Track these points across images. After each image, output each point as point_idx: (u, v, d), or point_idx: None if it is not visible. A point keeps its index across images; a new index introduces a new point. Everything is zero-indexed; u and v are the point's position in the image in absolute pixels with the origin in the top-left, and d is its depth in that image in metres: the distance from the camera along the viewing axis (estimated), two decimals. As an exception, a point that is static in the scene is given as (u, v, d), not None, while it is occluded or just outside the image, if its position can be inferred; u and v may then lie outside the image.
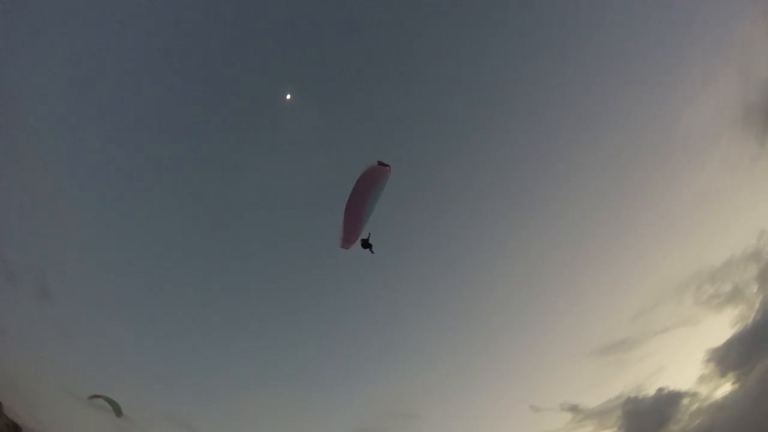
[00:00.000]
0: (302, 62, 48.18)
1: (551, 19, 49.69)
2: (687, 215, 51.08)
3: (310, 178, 53.60)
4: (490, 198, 56.89)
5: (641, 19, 47.95)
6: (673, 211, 51.90)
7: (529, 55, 51.65)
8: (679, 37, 47.97)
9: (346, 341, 56.71)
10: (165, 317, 51.17)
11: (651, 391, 49.83)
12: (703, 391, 49.03)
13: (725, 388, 48.62)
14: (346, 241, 16.80)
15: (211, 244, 54.16)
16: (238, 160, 51.68)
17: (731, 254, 48.29)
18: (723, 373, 48.99)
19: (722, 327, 48.86)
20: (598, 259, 55.81)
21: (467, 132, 54.39)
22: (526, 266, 57.62)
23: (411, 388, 54.31)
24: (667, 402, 49.31)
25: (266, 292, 56.22)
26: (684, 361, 50.38)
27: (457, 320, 57.67)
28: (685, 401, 49.21)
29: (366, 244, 17.26)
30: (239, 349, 53.84)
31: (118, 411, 35.11)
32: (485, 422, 52.83)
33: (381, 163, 14.85)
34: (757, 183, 46.54)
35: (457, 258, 57.76)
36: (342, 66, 50.53)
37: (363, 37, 49.76)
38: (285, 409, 52.24)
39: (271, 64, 47.75)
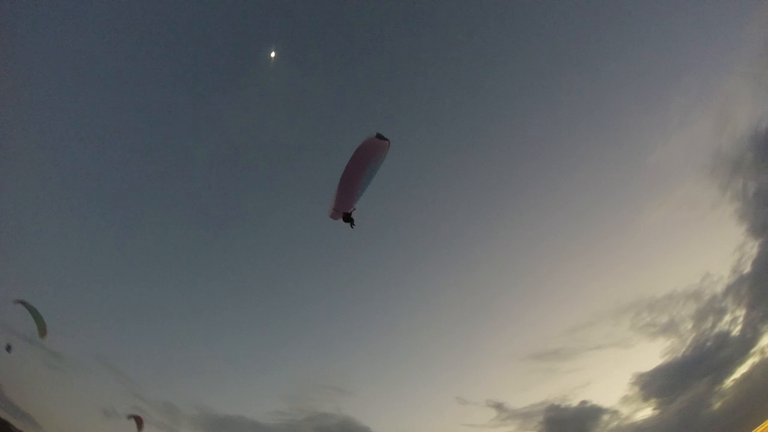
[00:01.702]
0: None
1: (545, 50, 51.74)
2: (641, 245, 53.45)
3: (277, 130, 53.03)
4: (455, 196, 57.81)
5: (633, 57, 50.46)
6: (629, 238, 54.13)
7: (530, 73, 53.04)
8: (666, 78, 50.60)
9: (287, 311, 56.99)
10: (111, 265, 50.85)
11: (575, 402, 51.04)
12: (625, 411, 50.50)
13: (646, 412, 50.30)
14: (336, 212, 16.40)
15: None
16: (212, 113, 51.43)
17: (674, 289, 50.95)
18: (646, 398, 50.67)
19: (653, 355, 50.96)
20: (549, 269, 57.47)
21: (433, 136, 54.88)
22: (475, 264, 58.29)
23: (345, 366, 54.86)
24: (589, 415, 50.66)
25: (215, 254, 56.10)
26: (611, 379, 52.08)
27: (398, 306, 58.19)
28: (606, 417, 50.47)
29: (347, 218, 16.99)
30: (183, 306, 53.52)
31: (42, 330, 33.91)
32: (411, 405, 53.68)
33: (380, 137, 14.20)
34: (712, 229, 49.59)
35: (408, 248, 58.24)
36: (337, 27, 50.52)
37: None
38: (216, 368, 52.46)
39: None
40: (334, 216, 16.49)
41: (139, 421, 37.05)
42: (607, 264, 54.76)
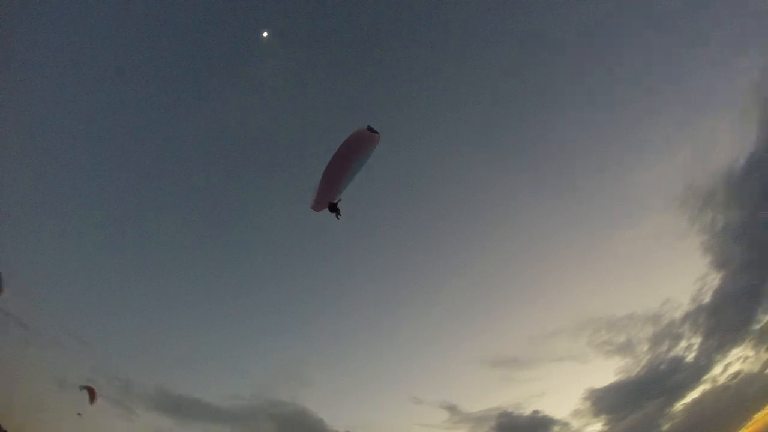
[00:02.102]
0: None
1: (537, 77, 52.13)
2: (607, 265, 55.17)
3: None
4: (428, 196, 58.14)
5: (621, 91, 51.56)
6: (597, 258, 55.81)
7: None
8: (650, 112, 51.79)
9: (251, 297, 56.76)
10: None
11: (528, 410, 52.18)
12: (575, 424, 52.00)
13: (595, 427, 51.89)
14: (318, 204, 15.87)
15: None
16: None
17: (634, 311, 52.45)
18: (596, 414, 52.13)
19: (607, 372, 52.43)
20: (515, 279, 58.33)
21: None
22: (440, 268, 58.96)
23: (305, 356, 54.97)
24: (540, 424, 51.78)
25: (184, 234, 54.81)
26: (565, 392, 54.09)
27: (362, 303, 58.70)
28: (556, 429, 51.93)
29: (333, 208, 16.60)
30: (149, 282, 52.82)
31: None
32: (367, 401, 54.44)
33: (371, 129, 13.97)
34: (677, 257, 51.17)
35: (375, 249, 58.22)
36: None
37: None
38: (177, 348, 51.93)
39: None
40: (315, 207, 16.08)
41: (91, 393, 36.65)
42: (572, 280, 56.24)
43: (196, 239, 54.37)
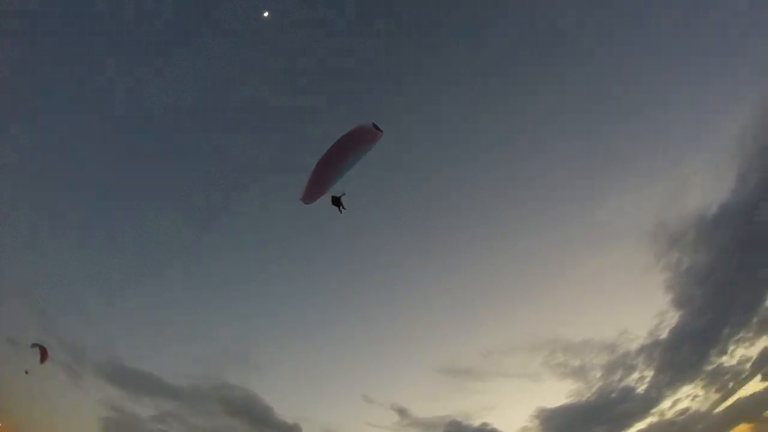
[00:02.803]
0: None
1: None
2: (571, 290, 55.45)
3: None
4: (397, 195, 57.25)
5: (602, 128, 52.60)
6: (561, 281, 56.07)
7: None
8: (629, 149, 52.41)
9: (212, 274, 55.96)
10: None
11: (477, 422, 52.88)
12: (522, 441, 52.74)
13: (541, 446, 52.54)
14: (308, 198, 15.29)
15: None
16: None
17: (591, 337, 53.39)
18: (543, 433, 53.15)
19: (559, 393, 53.38)
20: (477, 291, 58.29)
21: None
22: (400, 269, 58.49)
23: (259, 340, 55.03)
24: (487, 437, 53.04)
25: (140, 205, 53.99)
26: (515, 408, 54.30)
27: (321, 293, 58.12)
28: (503, 443, 52.86)
29: (337, 201, 16.50)
30: (107, 246, 51.92)
31: None
32: (317, 393, 54.29)
33: (376, 127, 13.62)
34: (640, 291, 51.91)
35: (342, 241, 57.10)
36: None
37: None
38: (132, 317, 51.36)
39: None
40: (305, 200, 15.47)
41: (43, 352, 36.06)
42: (534, 300, 56.56)
43: (156, 207, 53.50)
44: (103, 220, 51.54)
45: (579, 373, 53.39)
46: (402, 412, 52.79)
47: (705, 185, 46.95)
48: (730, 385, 47.90)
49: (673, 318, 49.58)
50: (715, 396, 48.63)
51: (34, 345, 36.31)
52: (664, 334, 49.94)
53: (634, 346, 51.18)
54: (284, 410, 50.43)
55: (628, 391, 51.50)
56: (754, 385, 46.74)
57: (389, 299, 57.52)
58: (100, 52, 44.48)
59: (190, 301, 54.50)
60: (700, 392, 49.05)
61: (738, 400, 47.58)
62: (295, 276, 56.91)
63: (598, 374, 52.74)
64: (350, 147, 13.78)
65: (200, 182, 54.24)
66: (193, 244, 54.85)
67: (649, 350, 50.79)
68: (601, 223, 52.55)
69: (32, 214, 47.75)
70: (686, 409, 49.22)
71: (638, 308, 51.40)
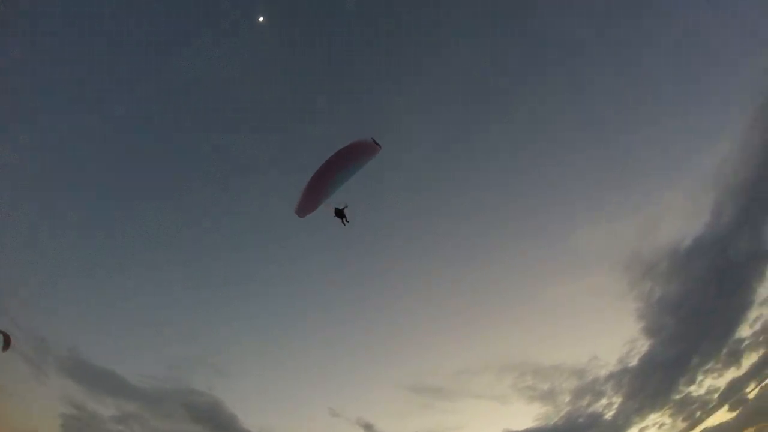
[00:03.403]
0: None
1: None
2: (542, 314, 55.49)
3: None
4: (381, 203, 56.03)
5: (581, 150, 52.88)
6: (533, 305, 55.97)
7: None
8: (604, 177, 53.42)
9: (182, 274, 54.89)
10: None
11: (443, 441, 52.75)
12: (487, 462, 52.67)
13: (506, 468, 52.14)
14: (302, 210, 15.31)
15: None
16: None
17: (562, 362, 53.63)
18: (508, 455, 52.88)
19: (526, 416, 53.22)
20: (447, 310, 57.93)
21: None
22: (372, 283, 57.78)
23: (225, 345, 54.22)
24: (451, 457, 52.60)
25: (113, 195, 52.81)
26: (482, 429, 55.18)
27: (292, 302, 57.41)
28: (467, 464, 52.86)
29: (340, 214, 16.81)
30: (74, 234, 50.43)
31: None
32: (282, 404, 53.74)
33: (375, 142, 13.76)
34: (611, 318, 52.44)
35: (313, 251, 56.29)
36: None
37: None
38: (97, 311, 50.68)
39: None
40: (299, 213, 15.53)
41: (6, 339, 35.21)
42: (506, 321, 56.34)
43: (127, 206, 52.60)
44: (87, 217, 50.77)
45: (547, 396, 53.61)
46: (368, 427, 52.26)
47: (680, 218, 47.80)
48: (698, 414, 48.33)
49: (643, 346, 50.04)
50: (682, 425, 48.96)
51: None
52: (633, 362, 50.34)
53: (603, 372, 51.52)
54: (249, 419, 49.74)
55: (596, 417, 51.65)
56: (721, 416, 47.29)
57: (361, 314, 57.29)
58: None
59: (159, 302, 53.67)
60: (668, 420, 49.40)
61: (704, 429, 48.00)
62: (267, 285, 56.41)
63: (567, 399, 53.02)
64: (349, 159, 13.79)
65: (175, 185, 53.53)
66: (167, 243, 54.19)
67: (618, 377, 51.11)
68: (575, 250, 53.13)
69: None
70: (653, 437, 49.49)
71: (609, 335, 51.82)
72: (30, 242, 48.41)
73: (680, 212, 48.05)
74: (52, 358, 47.41)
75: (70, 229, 50.01)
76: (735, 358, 46.77)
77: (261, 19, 45.65)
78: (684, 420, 48.65)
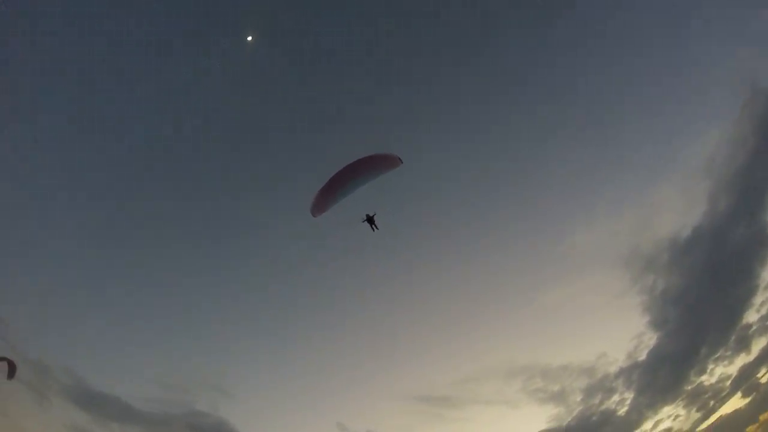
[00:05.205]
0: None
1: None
2: (546, 315, 55.30)
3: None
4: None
5: (574, 151, 52.88)
6: (536, 306, 55.78)
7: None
8: (601, 172, 53.88)
9: (180, 296, 54.50)
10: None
11: (455, 450, 51.89)
12: (503, 467, 51.65)
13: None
14: (317, 209, 15.70)
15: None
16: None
17: (570, 362, 52.97)
18: (525, 458, 52.17)
19: (538, 418, 52.56)
20: (451, 318, 57.93)
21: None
22: (375, 295, 57.64)
23: (229, 365, 53.20)
24: (466, 465, 51.68)
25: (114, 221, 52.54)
26: (494, 436, 53.25)
27: (295, 318, 56.93)
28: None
29: (371, 220, 17.79)
30: (73, 260, 50.05)
31: None
32: (290, 421, 52.94)
33: (399, 159, 14.56)
34: (616, 314, 52.35)
35: (315, 265, 56.44)
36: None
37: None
38: (98, 336, 49.74)
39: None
40: (314, 213, 15.92)
41: (11, 366, 34.58)
42: (510, 325, 56.07)
43: (130, 234, 52.43)
44: (75, 233, 49.64)
45: (558, 397, 52.97)
46: (377, 440, 51.43)
47: (676, 209, 48.27)
48: (711, 403, 47.97)
49: (650, 339, 49.82)
50: (696, 415, 48.57)
51: (1, 359, 34.77)
52: (642, 356, 50.03)
53: (612, 368, 51.12)
54: (255, 438, 49.07)
55: (609, 414, 50.98)
56: (735, 402, 46.93)
57: (363, 326, 56.71)
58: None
59: (160, 324, 52.98)
60: (682, 412, 48.93)
61: (720, 417, 47.64)
62: (269, 302, 56.09)
63: (578, 398, 52.34)
64: (370, 167, 14.40)
65: (172, 202, 53.27)
66: (165, 265, 53.69)
67: (628, 372, 50.66)
68: (573, 250, 53.08)
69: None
70: (668, 429, 49.03)
71: (616, 331, 51.62)
72: (27, 266, 48.00)
73: (676, 203, 48.64)
74: (55, 383, 46.39)
75: (67, 249, 49.44)
76: (744, 344, 46.52)
77: (249, 38, 45.98)
78: (698, 410, 48.32)
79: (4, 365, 33.76)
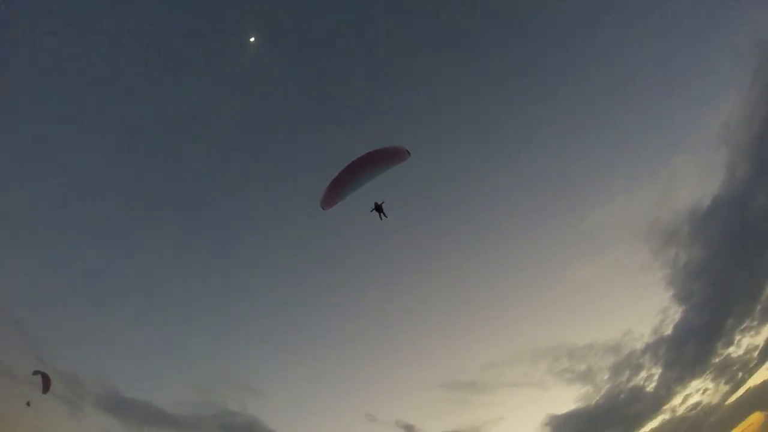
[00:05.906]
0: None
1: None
2: (569, 294, 55.07)
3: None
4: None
5: (590, 126, 52.66)
6: (558, 287, 55.92)
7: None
8: (618, 147, 53.36)
9: (205, 299, 55.14)
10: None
11: (487, 434, 51.87)
12: (535, 449, 51.64)
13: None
14: (326, 203, 16.09)
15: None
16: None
17: (595, 340, 52.56)
18: (557, 440, 51.78)
19: (567, 399, 52.63)
20: (475, 304, 58.01)
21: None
22: (399, 286, 58.13)
23: (258, 364, 53.60)
24: (498, 449, 51.87)
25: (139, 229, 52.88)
26: (524, 417, 53.60)
27: (320, 313, 57.26)
28: (515, 453, 52.09)
29: (379, 208, 18.04)
30: (100, 272, 50.54)
31: None
32: (319, 414, 53.29)
33: (407, 152, 15.07)
34: (639, 289, 51.99)
35: (338, 259, 56.70)
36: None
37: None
38: (127, 346, 50.39)
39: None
40: (324, 206, 16.21)
41: (45, 379, 34.66)
42: (533, 308, 56.01)
43: (152, 237, 52.71)
44: (98, 238, 50.41)
45: (586, 376, 52.84)
46: (408, 428, 51.60)
47: (695, 180, 47.56)
48: (740, 375, 47.56)
49: (676, 314, 49.42)
50: (725, 388, 48.31)
51: (36, 372, 34.61)
52: (668, 331, 49.73)
53: (639, 345, 50.87)
54: (287, 432, 49.40)
55: (638, 391, 50.98)
56: (764, 373, 46.32)
57: (388, 316, 57.00)
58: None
59: (187, 327, 53.57)
60: (710, 385, 48.66)
61: (749, 389, 47.27)
62: (294, 298, 56.08)
63: (606, 376, 52.21)
64: (380, 160, 14.76)
65: (193, 203, 53.73)
66: (189, 268, 54.27)
67: (654, 348, 50.44)
68: (593, 228, 52.85)
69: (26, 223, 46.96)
70: (698, 404, 48.86)
71: (640, 307, 51.21)
72: (52, 279, 48.57)
73: (694, 174, 47.94)
74: (87, 393, 47.11)
75: (89, 259, 49.80)
76: (770, 313, 45.84)
77: (252, 39, 45.90)
78: (726, 383, 47.99)
79: (38, 379, 34.26)
